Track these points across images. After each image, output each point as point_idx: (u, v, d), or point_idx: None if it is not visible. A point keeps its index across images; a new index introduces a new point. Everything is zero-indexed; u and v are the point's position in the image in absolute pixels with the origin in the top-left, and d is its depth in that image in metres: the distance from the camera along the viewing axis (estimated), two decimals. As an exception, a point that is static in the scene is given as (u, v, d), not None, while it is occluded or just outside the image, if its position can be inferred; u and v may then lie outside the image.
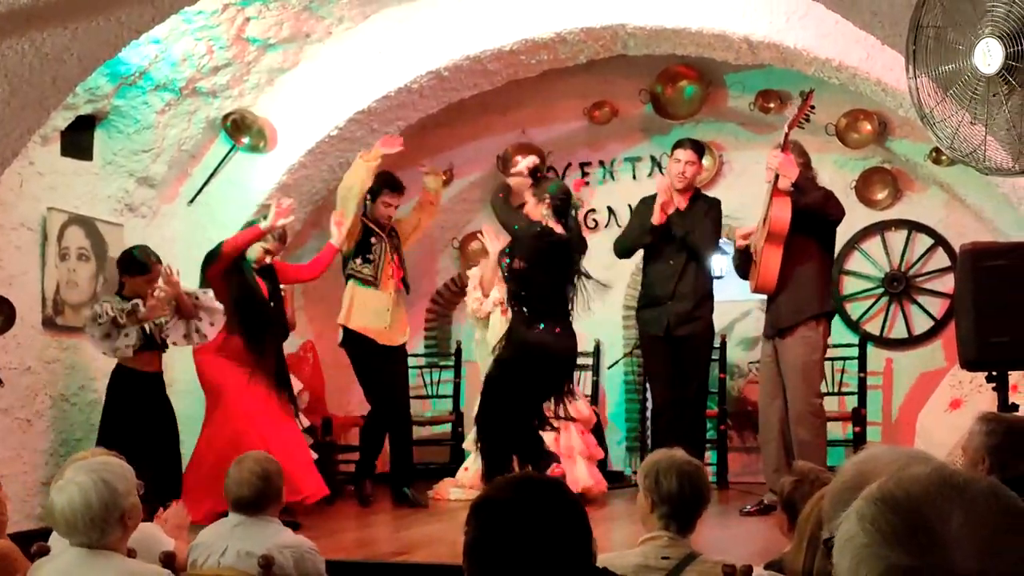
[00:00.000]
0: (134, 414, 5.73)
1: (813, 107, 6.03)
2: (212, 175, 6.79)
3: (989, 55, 3.70)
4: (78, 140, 6.19)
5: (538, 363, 5.75)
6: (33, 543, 3.29)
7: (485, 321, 6.99)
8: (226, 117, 6.65)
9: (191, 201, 6.77)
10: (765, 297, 6.19)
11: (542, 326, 5.73)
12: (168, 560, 3.30)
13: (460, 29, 6.60)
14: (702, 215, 6.42)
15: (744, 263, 6.28)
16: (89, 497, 2.92)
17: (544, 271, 5.78)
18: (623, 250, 6.69)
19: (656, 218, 6.28)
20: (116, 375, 5.83)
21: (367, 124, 6.91)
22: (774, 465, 5.99)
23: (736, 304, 7.24)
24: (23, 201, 5.89)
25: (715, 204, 6.54)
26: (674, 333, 6.29)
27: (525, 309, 5.79)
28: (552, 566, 1.80)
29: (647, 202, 6.52)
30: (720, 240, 6.53)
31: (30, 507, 5.65)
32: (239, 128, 6.72)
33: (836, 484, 1.73)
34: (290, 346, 6.97)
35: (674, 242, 6.33)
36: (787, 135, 5.97)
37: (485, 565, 1.81)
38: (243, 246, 6.09)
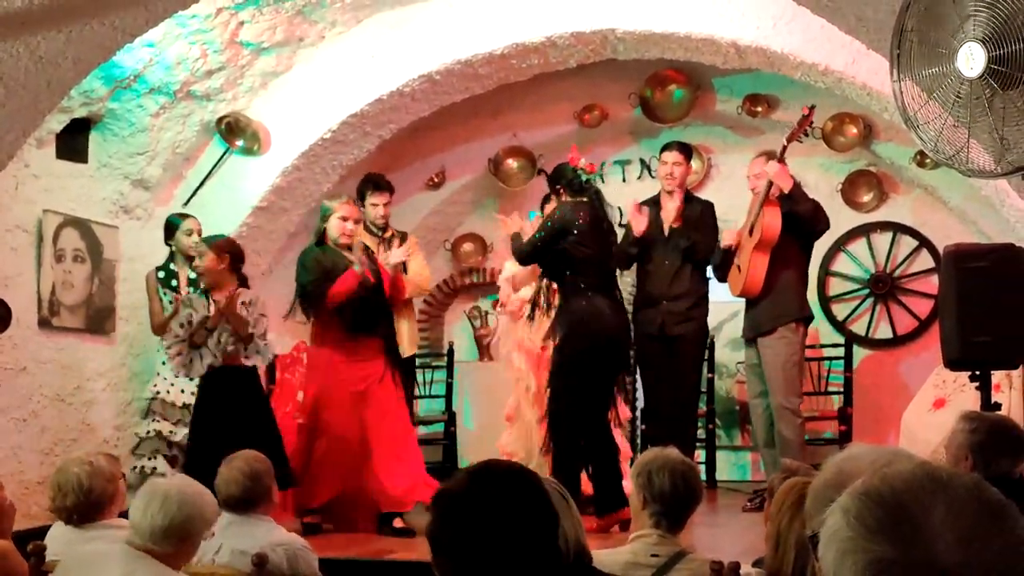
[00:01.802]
0: (227, 409, 5.56)
1: (812, 124, 6.17)
2: (206, 178, 6.81)
3: (972, 59, 3.75)
4: (73, 143, 6.22)
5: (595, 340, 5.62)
6: (29, 542, 3.32)
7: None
8: (220, 120, 6.68)
9: (186, 203, 6.79)
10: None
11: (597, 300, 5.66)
12: (163, 558, 3.35)
13: (451, 34, 6.64)
14: (696, 220, 6.48)
15: (723, 266, 6.39)
16: (184, 511, 3.01)
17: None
18: (617, 262, 6.69)
19: (637, 230, 6.35)
20: (209, 372, 5.63)
21: (360, 127, 6.93)
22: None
23: (724, 305, 7.31)
24: (18, 203, 5.93)
25: (709, 207, 6.61)
26: (668, 332, 6.36)
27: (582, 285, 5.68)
28: (515, 553, 1.78)
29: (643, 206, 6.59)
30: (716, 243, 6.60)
31: (26, 506, 5.66)
32: (233, 131, 6.75)
33: (818, 482, 1.75)
34: (283, 347, 7.01)
35: (669, 243, 6.39)
36: (785, 148, 6.10)
37: (448, 556, 1.79)
38: (345, 293, 5.81)
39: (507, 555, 1.77)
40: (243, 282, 5.75)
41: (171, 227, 6.43)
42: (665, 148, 6.61)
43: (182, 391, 6.20)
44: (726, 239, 6.35)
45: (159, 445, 6.15)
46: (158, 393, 6.23)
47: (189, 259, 6.29)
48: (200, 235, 6.30)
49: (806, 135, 6.24)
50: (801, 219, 6.12)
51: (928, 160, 7.05)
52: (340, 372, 5.85)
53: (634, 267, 6.76)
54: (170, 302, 6.24)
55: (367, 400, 5.85)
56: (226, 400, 5.59)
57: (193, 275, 6.23)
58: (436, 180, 8.46)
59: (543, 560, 1.83)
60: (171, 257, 6.43)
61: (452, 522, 1.80)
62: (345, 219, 5.93)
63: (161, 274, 6.36)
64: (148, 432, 6.17)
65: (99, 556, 3.10)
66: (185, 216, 6.48)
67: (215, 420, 5.55)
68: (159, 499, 3.02)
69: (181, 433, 6.08)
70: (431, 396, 8.41)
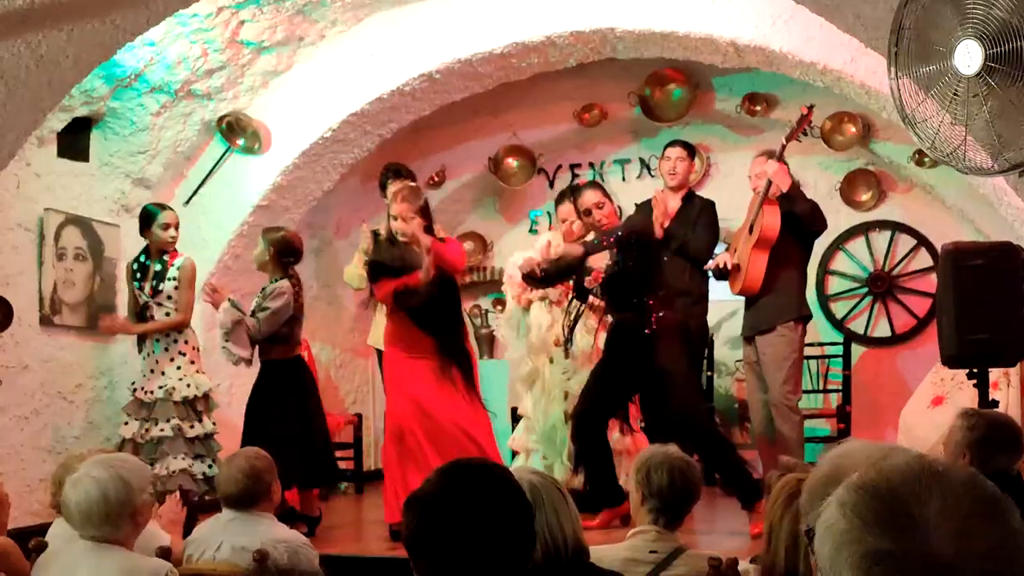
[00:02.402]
0: (272, 398, 5.83)
1: (811, 123, 6.17)
2: (207, 176, 6.84)
3: (969, 56, 3.77)
4: (74, 142, 6.26)
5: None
6: (31, 539, 3.35)
7: (526, 310, 6.52)
8: (221, 119, 6.71)
9: (187, 202, 6.81)
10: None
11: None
12: (164, 554, 3.35)
13: (451, 32, 6.66)
14: (695, 218, 6.50)
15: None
16: (106, 491, 2.98)
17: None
18: None
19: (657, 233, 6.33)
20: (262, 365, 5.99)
21: (360, 126, 6.95)
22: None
23: (724, 303, 7.33)
24: (20, 202, 5.96)
25: (709, 205, 6.62)
26: None
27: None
28: (491, 548, 1.79)
29: (641, 208, 6.60)
30: (716, 243, 6.59)
31: (28, 503, 5.71)
32: (234, 130, 6.77)
33: (814, 477, 1.76)
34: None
35: (668, 244, 6.40)
36: (784, 147, 6.11)
37: (426, 558, 1.80)
38: (384, 297, 5.69)
39: (483, 551, 1.78)
40: (285, 276, 5.93)
41: (149, 217, 6.05)
42: (669, 145, 6.67)
43: (159, 387, 5.92)
44: (720, 260, 6.32)
45: (128, 449, 5.81)
46: (135, 391, 5.98)
47: (160, 252, 6.03)
48: (177, 228, 6.07)
49: (805, 134, 6.27)
50: (799, 219, 6.14)
51: (927, 159, 7.07)
52: (402, 371, 5.66)
53: None
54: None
55: (426, 403, 5.60)
56: (270, 392, 5.84)
57: (159, 268, 6.01)
58: (436, 179, 8.49)
59: (519, 553, 1.84)
60: (146, 250, 6.11)
61: (427, 523, 1.80)
62: (395, 218, 5.64)
63: (134, 266, 6.09)
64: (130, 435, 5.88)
65: (67, 554, 3.09)
66: (163, 208, 6.12)
67: (261, 411, 5.77)
68: (83, 490, 3.01)
69: (158, 431, 5.83)
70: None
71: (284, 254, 5.94)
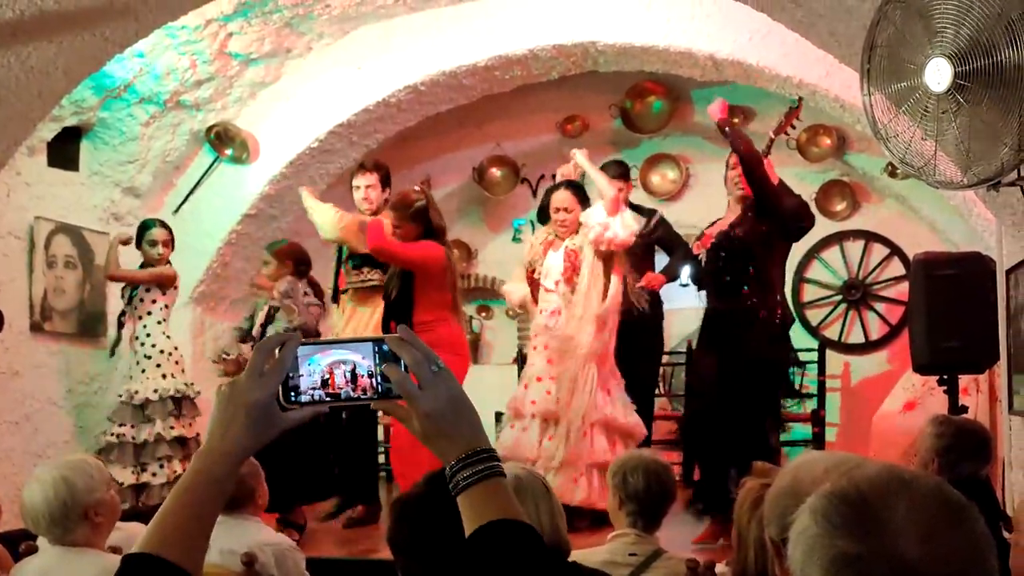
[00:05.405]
0: None
1: (800, 117, 6.23)
2: (196, 186, 6.91)
3: (939, 74, 3.87)
4: (64, 151, 6.31)
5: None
6: (21, 543, 3.38)
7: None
8: (209, 129, 6.77)
9: (176, 211, 6.87)
10: None
11: None
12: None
13: (436, 45, 6.74)
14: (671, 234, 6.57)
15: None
16: (48, 494, 2.98)
17: None
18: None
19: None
20: None
21: (347, 137, 7.03)
22: None
23: (700, 311, 7.42)
24: (10, 210, 6.02)
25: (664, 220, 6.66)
26: None
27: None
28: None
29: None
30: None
31: (18, 508, 5.74)
32: (222, 140, 6.84)
33: (774, 489, 1.80)
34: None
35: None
36: (772, 141, 6.14)
37: (408, 556, 1.86)
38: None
39: (460, 551, 1.87)
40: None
41: (142, 230, 6.20)
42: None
43: (154, 391, 5.97)
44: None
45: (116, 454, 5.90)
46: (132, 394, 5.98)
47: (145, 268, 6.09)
48: (165, 246, 6.11)
49: (793, 128, 6.24)
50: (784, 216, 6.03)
51: (899, 171, 7.20)
52: None
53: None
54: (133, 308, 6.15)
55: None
56: None
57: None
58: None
59: None
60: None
61: (411, 524, 1.87)
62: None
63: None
64: (114, 435, 5.91)
65: (40, 560, 3.10)
66: (155, 224, 6.21)
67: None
68: (28, 494, 3.03)
69: (144, 433, 5.88)
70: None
71: (302, 263, 6.14)
